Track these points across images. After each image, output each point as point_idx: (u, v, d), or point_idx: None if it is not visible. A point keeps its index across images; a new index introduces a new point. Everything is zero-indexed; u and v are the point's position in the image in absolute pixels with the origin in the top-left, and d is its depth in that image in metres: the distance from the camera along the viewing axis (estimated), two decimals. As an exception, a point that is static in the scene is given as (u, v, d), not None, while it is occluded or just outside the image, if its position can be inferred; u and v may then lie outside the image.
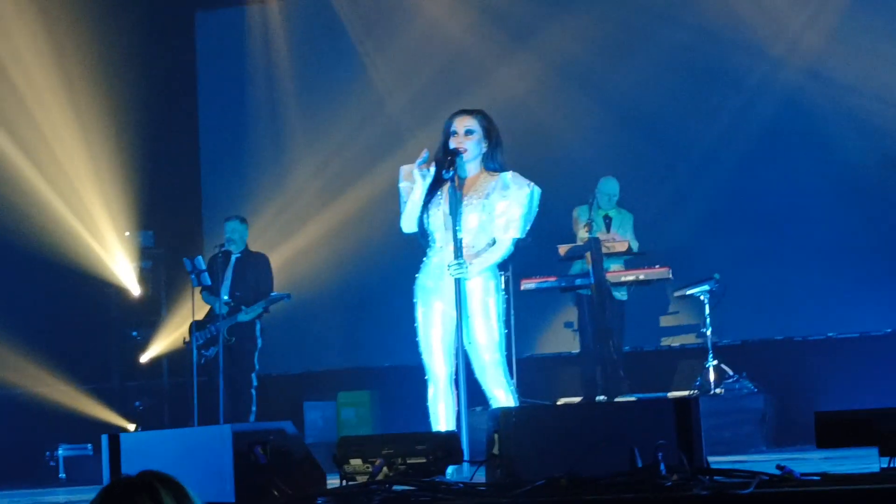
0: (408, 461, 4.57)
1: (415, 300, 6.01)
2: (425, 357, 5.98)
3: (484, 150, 5.95)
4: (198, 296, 9.97)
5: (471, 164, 5.95)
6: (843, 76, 10.40)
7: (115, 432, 4.99)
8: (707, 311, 9.50)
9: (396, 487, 4.45)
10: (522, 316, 9.85)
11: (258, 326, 9.84)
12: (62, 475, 10.40)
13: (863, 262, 10.18)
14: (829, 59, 10.47)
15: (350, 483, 4.65)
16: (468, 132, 5.92)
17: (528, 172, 6.10)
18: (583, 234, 9.53)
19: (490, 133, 5.96)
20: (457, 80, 11.19)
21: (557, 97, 11.12)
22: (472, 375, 5.86)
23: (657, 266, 9.44)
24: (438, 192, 5.92)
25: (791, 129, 10.53)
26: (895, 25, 10.41)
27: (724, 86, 10.76)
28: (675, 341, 10.72)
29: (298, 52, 12.01)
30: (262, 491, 4.49)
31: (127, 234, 11.60)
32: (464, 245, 5.81)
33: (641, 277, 9.47)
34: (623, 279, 9.47)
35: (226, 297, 9.74)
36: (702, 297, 9.54)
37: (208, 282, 9.60)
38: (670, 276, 9.44)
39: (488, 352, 5.86)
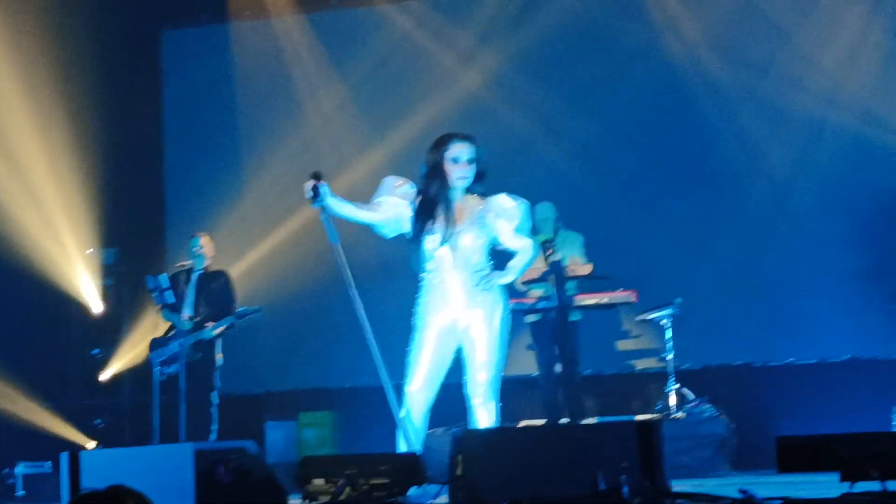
0: (370, 482, 4.57)
1: (414, 321, 6.10)
2: (411, 372, 6.03)
3: (476, 175, 6.07)
4: (159, 313, 9.90)
5: (460, 190, 6.05)
6: (810, 100, 10.52)
7: (75, 450, 4.95)
8: (669, 335, 9.53)
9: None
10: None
11: (219, 344, 9.78)
12: (20, 493, 10.30)
13: (822, 289, 10.28)
14: (788, 83, 10.59)
15: (312, 503, 4.64)
16: (470, 160, 6.03)
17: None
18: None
19: (482, 159, 6.09)
20: (409, 94, 11.32)
21: (515, 118, 11.19)
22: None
23: (620, 290, 9.47)
24: (431, 218, 5.99)
25: (753, 157, 10.63)
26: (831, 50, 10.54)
27: (689, 111, 10.84)
28: (636, 365, 10.76)
29: (263, 70, 12.02)
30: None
31: (90, 251, 11.54)
32: (464, 266, 5.95)
33: (605, 301, 9.49)
34: (587, 303, 9.49)
35: (190, 313, 9.69)
36: (663, 322, 9.56)
37: (172, 300, 9.53)
38: (633, 300, 9.47)
39: (485, 370, 5.97)
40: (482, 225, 6.01)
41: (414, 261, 6.06)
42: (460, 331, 6.03)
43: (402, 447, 5.83)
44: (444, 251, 5.99)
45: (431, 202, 6.02)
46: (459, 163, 6.00)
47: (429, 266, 6.03)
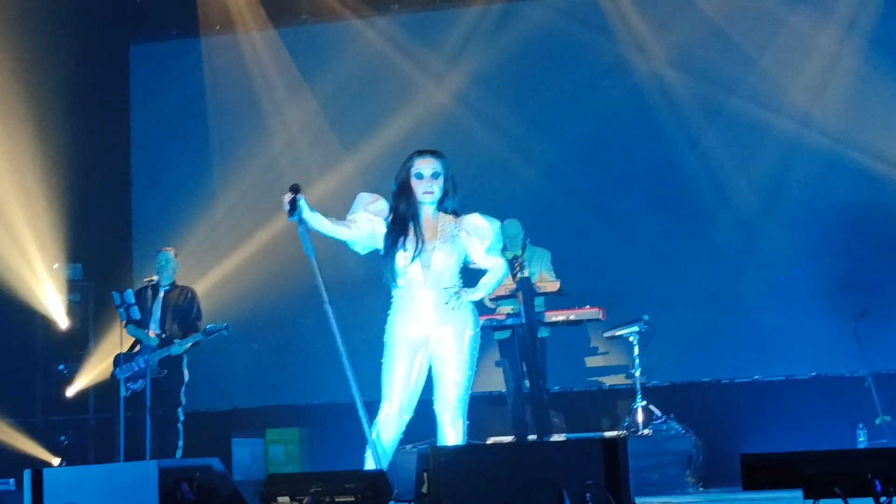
0: (336, 499, 4.55)
1: (385, 338, 6.07)
2: (386, 390, 6.01)
3: (443, 192, 6.04)
4: (124, 328, 9.83)
5: (432, 206, 6.03)
6: (770, 119, 10.61)
7: (39, 467, 4.91)
8: (636, 352, 9.56)
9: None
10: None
11: (185, 360, 9.73)
12: (-18, 510, 10.20)
13: (789, 306, 10.35)
14: (755, 103, 10.67)
15: (277, 521, 4.62)
16: (435, 175, 6.01)
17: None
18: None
19: (450, 177, 6.07)
20: (379, 110, 11.37)
21: (484, 135, 11.24)
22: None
23: (588, 306, 9.50)
24: (403, 235, 5.99)
25: (724, 172, 10.69)
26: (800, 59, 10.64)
27: (657, 130, 10.90)
28: (604, 382, 10.79)
29: (231, 84, 12.00)
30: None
31: (56, 266, 11.46)
32: (435, 284, 5.95)
33: (572, 318, 9.52)
34: (554, 319, 9.51)
35: (156, 329, 9.64)
36: (631, 339, 9.60)
37: (137, 315, 9.48)
38: (601, 316, 9.52)
39: (454, 387, 5.96)
40: (454, 243, 6.00)
41: (386, 277, 6.04)
42: (431, 347, 6.01)
43: (370, 465, 5.82)
44: (416, 268, 5.98)
45: (402, 219, 6.02)
46: (423, 178, 5.99)
47: (400, 282, 6.02)
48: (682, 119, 10.81)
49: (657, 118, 10.87)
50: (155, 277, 9.77)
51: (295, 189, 5.92)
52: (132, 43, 12.46)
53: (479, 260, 6.08)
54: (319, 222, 5.93)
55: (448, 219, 6.05)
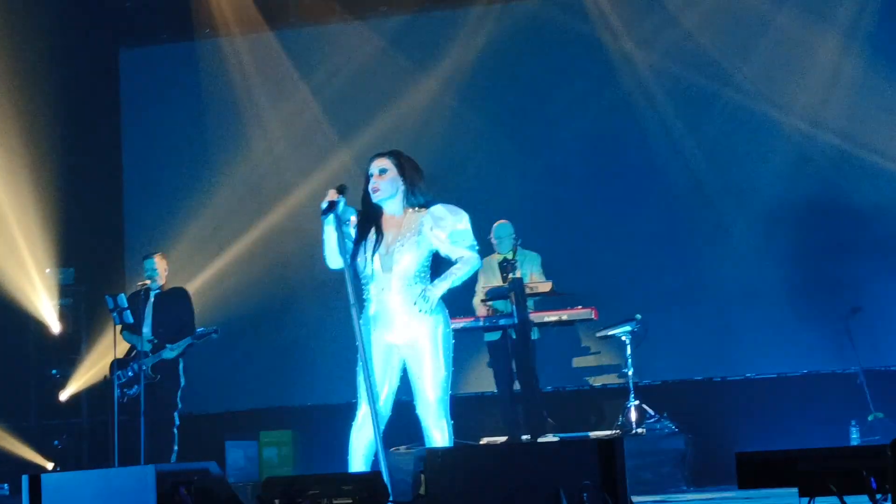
0: (334, 501, 4.56)
1: (357, 343, 5.94)
2: (361, 393, 5.93)
3: (402, 188, 5.99)
4: (119, 334, 9.84)
5: (392, 204, 6.00)
6: (763, 121, 10.64)
7: (32, 472, 4.92)
8: (629, 351, 9.59)
9: (322, 528, 4.45)
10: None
11: (181, 364, 9.73)
12: (-23, 515, 10.19)
13: (780, 304, 10.38)
14: (746, 105, 10.70)
15: (275, 524, 4.64)
16: (381, 171, 5.98)
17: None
18: (482, 284, 9.73)
19: (404, 170, 6.00)
20: (367, 111, 11.40)
21: (473, 138, 11.26)
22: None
23: (580, 307, 9.52)
24: (364, 239, 5.96)
25: (713, 171, 10.73)
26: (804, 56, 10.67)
27: (644, 131, 10.93)
28: (596, 381, 10.81)
29: (220, 88, 12.00)
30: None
31: (47, 270, 11.46)
32: (402, 285, 5.89)
33: (564, 318, 9.54)
34: (546, 319, 9.53)
35: (148, 335, 9.64)
36: (623, 338, 9.62)
37: (130, 319, 9.48)
38: (592, 316, 9.54)
39: (433, 390, 5.89)
40: (420, 237, 5.92)
41: (354, 282, 5.93)
42: (403, 350, 5.96)
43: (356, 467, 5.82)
44: (378, 271, 5.93)
45: (364, 222, 6.00)
46: (372, 176, 5.99)
47: (367, 285, 5.97)
48: (670, 119, 10.84)
49: (646, 119, 10.91)
50: (148, 281, 9.78)
51: (341, 189, 5.93)
52: (122, 48, 12.46)
53: (447, 252, 5.96)
54: (332, 232, 5.91)
55: (415, 214, 5.99)
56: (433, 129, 11.21)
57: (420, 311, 5.85)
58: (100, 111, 12.31)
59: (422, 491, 4.40)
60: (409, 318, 5.91)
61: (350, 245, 5.96)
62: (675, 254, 10.70)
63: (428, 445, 5.87)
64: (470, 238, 6.00)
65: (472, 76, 11.34)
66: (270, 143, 11.81)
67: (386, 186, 5.96)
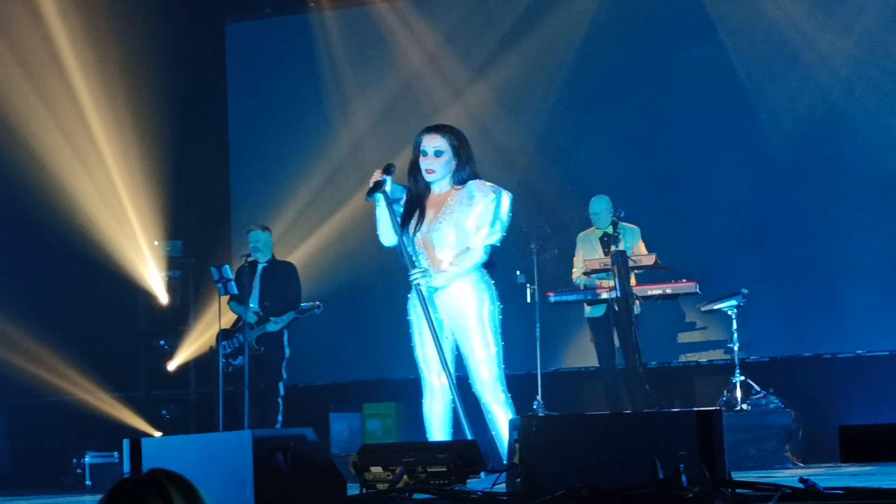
0: (428, 469, 4.56)
1: (409, 318, 5.96)
2: (423, 370, 5.95)
3: (453, 167, 5.86)
4: (225, 305, 9.98)
5: (442, 183, 5.89)
6: (873, 89, 10.36)
7: (136, 437, 4.99)
8: (734, 326, 9.42)
9: (417, 496, 4.44)
10: (547, 330, 9.85)
11: (286, 336, 9.84)
12: (88, 482, 10.44)
13: (892, 278, 10.09)
14: (855, 74, 10.42)
15: (370, 490, 4.65)
16: (438, 153, 5.82)
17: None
18: (579, 266, 9.72)
19: (459, 151, 5.85)
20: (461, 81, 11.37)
21: (566, 107, 11.17)
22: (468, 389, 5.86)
23: (683, 280, 9.38)
24: (410, 217, 5.89)
25: (819, 141, 10.48)
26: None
27: (749, 96, 10.71)
28: (701, 357, 10.66)
29: (323, 62, 12.06)
30: (282, 496, 4.48)
31: (156, 243, 11.67)
32: (445, 263, 5.81)
33: (668, 291, 9.40)
34: (650, 293, 9.41)
35: (254, 307, 9.76)
36: (729, 313, 9.46)
37: (235, 291, 9.61)
38: (697, 290, 9.38)
39: (487, 367, 5.79)
40: (459, 213, 5.79)
41: (408, 258, 5.85)
42: (452, 327, 5.87)
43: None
44: (423, 247, 5.85)
45: (413, 200, 5.91)
46: (427, 155, 5.83)
47: (418, 263, 5.87)
48: (771, 92, 10.60)
49: (745, 90, 10.68)
50: (252, 254, 9.89)
51: (386, 170, 5.87)
52: (228, 22, 12.59)
53: (469, 227, 5.77)
54: (384, 211, 5.85)
55: (455, 191, 5.87)
56: (529, 103, 11.15)
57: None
58: (206, 85, 12.48)
59: (516, 460, 4.37)
60: (452, 297, 5.83)
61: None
62: (783, 226, 10.48)
63: (489, 422, 5.82)
64: (486, 232, 5.76)
65: (568, 46, 11.20)
66: (371, 116, 11.82)
67: (441, 169, 5.83)
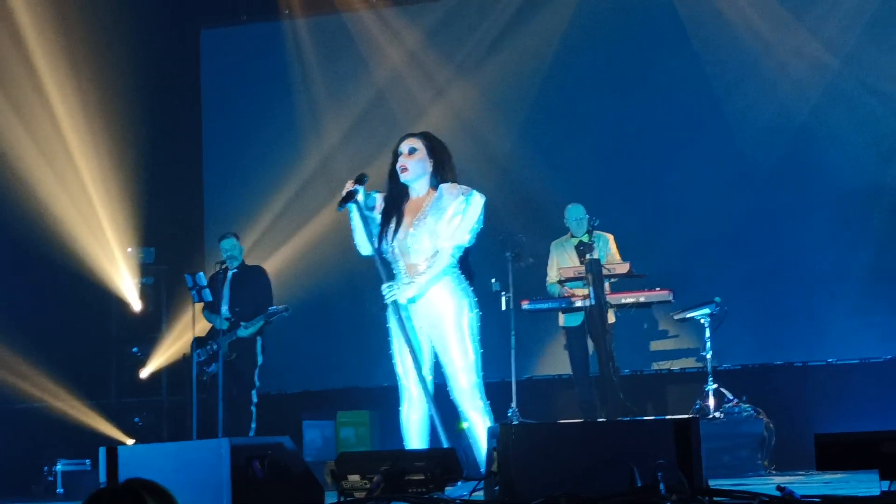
0: (406, 478, 4.56)
1: (388, 325, 5.96)
2: (401, 378, 5.95)
3: (429, 169, 5.87)
4: (199, 312, 9.95)
5: (419, 185, 5.89)
6: (843, 96, 10.44)
7: (112, 445, 4.97)
8: (707, 334, 9.45)
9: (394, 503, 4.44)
10: (521, 337, 9.86)
11: (259, 343, 9.82)
12: (60, 490, 10.36)
13: (864, 288, 10.18)
14: (829, 84, 10.50)
15: (348, 499, 4.64)
16: (411, 150, 5.85)
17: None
18: (553, 273, 9.74)
19: (434, 151, 5.88)
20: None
21: (542, 114, 11.20)
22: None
23: (657, 289, 9.42)
24: (387, 223, 5.89)
25: (792, 151, 10.55)
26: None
27: (723, 106, 10.77)
28: (674, 365, 10.70)
29: (297, 69, 12.05)
30: (259, 505, 4.48)
31: (129, 249, 11.61)
32: (414, 271, 5.80)
33: (642, 300, 9.44)
34: (623, 301, 9.44)
35: (225, 313, 9.74)
36: (702, 321, 9.48)
37: (209, 298, 9.59)
38: (671, 298, 9.41)
39: (465, 374, 5.79)
40: (434, 216, 5.76)
41: (382, 268, 5.86)
42: (430, 334, 5.86)
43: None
44: (399, 254, 5.84)
45: (391, 206, 5.91)
46: (402, 155, 5.87)
47: (395, 270, 5.88)
48: (744, 99, 10.67)
49: (719, 98, 10.75)
50: (225, 261, 9.87)
51: (359, 179, 5.86)
52: (202, 28, 12.56)
53: (441, 232, 5.74)
54: (358, 221, 5.84)
55: (430, 195, 5.86)
56: (503, 114, 11.21)
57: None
58: (181, 92, 12.44)
59: (494, 468, 4.37)
60: (431, 305, 5.82)
61: (377, 231, 5.89)
62: (755, 235, 10.54)
63: (468, 429, 5.82)
64: (454, 234, 5.73)
65: (544, 56, 11.24)
66: (344, 125, 11.81)
67: (414, 167, 5.84)
